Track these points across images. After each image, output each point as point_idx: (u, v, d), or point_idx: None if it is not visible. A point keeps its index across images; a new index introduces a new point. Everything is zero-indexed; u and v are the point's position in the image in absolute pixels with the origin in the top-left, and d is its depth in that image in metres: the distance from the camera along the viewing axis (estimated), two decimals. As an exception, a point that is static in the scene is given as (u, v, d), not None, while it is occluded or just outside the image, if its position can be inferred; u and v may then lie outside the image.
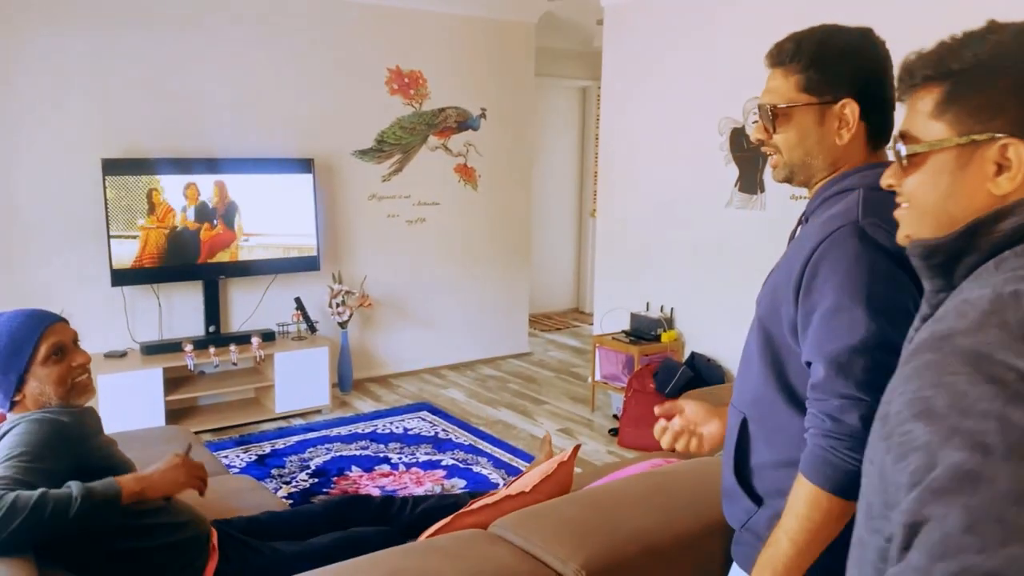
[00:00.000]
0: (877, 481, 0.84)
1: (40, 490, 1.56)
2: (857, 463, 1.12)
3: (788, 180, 1.38)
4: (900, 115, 0.98)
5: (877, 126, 1.32)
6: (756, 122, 1.38)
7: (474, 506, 1.83)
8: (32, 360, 1.79)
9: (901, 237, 0.95)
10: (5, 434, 1.71)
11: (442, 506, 2.22)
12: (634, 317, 4.70)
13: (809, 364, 1.23)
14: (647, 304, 4.73)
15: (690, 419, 1.51)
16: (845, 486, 1.14)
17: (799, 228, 1.39)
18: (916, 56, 0.90)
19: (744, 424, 1.36)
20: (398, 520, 2.18)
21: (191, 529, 1.90)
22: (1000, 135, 0.82)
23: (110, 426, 2.00)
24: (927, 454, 0.72)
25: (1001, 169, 0.83)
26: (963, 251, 0.85)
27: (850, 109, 1.28)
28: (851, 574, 0.94)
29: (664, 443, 1.50)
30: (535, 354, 6.14)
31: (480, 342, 5.88)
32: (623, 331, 4.72)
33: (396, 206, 5.34)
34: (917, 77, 0.89)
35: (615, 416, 4.64)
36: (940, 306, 0.86)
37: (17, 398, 1.81)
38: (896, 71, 0.91)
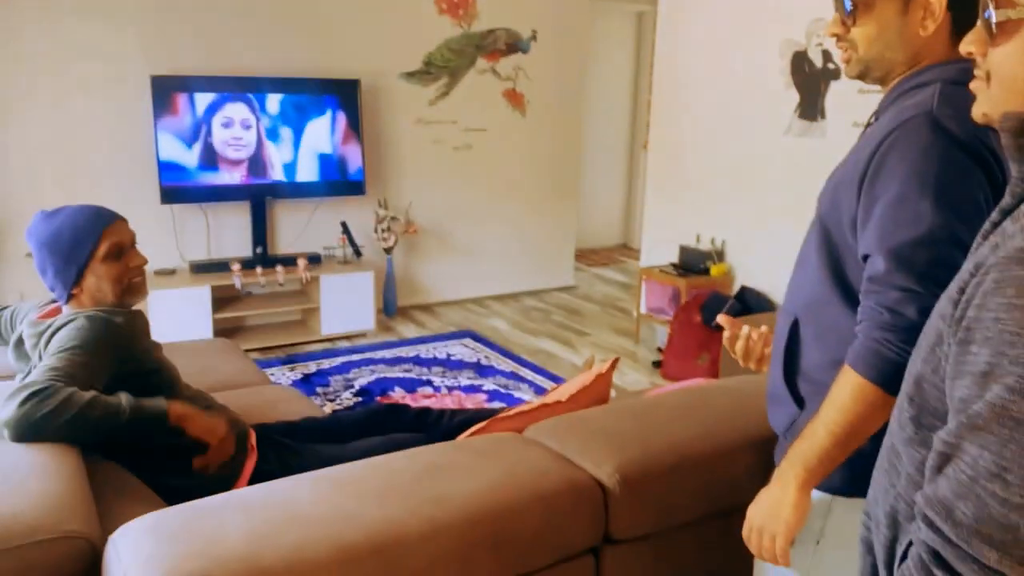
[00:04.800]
0: (924, 384, 0.78)
1: (93, 393, 1.59)
2: (908, 357, 1.06)
3: (861, 77, 1.30)
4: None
5: (963, 18, 1.21)
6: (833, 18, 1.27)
7: (510, 412, 1.81)
8: (93, 255, 1.82)
9: (977, 115, 0.83)
10: (62, 327, 1.75)
11: (479, 417, 2.20)
12: (683, 250, 4.59)
13: (866, 258, 1.16)
14: (697, 236, 4.61)
15: (764, 337, 1.47)
16: (892, 379, 1.09)
17: (868, 127, 1.30)
18: None
19: (795, 326, 1.31)
20: (435, 429, 2.17)
21: (230, 428, 1.92)
22: None
23: (159, 339, 2.05)
24: (978, 384, 0.67)
25: None
26: None
27: None
28: (878, 478, 0.89)
29: (737, 350, 1.46)
30: (580, 287, 6.08)
31: (524, 274, 5.83)
32: (671, 263, 4.62)
33: (442, 131, 5.26)
34: None
35: (659, 349, 4.58)
36: None
37: (75, 291, 1.85)
38: None
